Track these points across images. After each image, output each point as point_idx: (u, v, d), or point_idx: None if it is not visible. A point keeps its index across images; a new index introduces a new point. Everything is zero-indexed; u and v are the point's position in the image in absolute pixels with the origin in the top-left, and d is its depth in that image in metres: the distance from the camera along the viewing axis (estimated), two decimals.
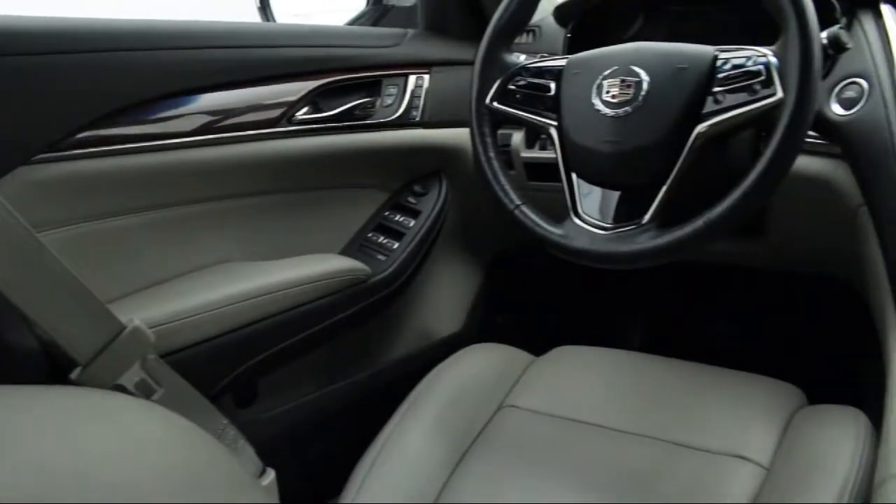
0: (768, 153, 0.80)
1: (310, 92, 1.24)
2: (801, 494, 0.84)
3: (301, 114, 1.23)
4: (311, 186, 1.30)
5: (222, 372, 1.11)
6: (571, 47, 1.28)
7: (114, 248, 1.08)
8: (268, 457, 0.95)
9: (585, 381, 1.12)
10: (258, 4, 1.69)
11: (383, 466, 0.98)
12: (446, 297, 1.51)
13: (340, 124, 1.27)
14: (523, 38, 1.36)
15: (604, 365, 1.15)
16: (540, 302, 1.72)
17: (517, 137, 1.30)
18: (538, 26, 1.37)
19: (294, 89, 1.23)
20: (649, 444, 0.98)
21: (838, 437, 0.90)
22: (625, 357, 1.17)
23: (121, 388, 0.81)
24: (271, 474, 0.95)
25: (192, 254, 1.17)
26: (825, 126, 1.01)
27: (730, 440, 0.96)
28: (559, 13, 1.31)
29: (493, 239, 1.54)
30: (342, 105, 1.27)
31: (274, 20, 1.68)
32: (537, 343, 1.23)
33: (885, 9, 1.00)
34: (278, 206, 1.27)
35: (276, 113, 1.21)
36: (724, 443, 0.95)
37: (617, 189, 0.94)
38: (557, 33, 1.31)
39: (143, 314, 0.90)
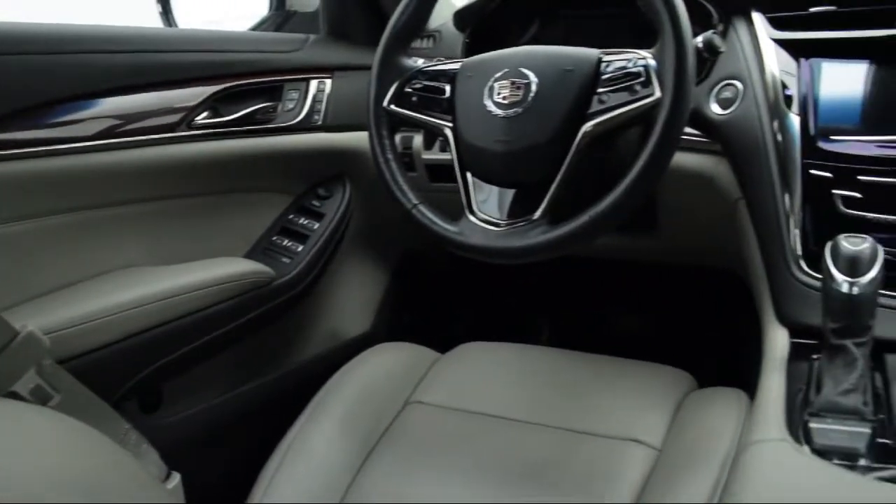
0: (648, 149, 0.85)
1: (210, 96, 1.24)
2: (688, 470, 0.90)
3: (201, 118, 1.24)
4: (214, 191, 1.31)
5: (125, 377, 1.10)
6: (470, 52, 1.32)
7: (11, 255, 1.07)
8: (174, 461, 0.95)
9: (489, 375, 1.16)
10: (160, 10, 1.67)
11: (289, 467, 1.00)
12: (353, 299, 1.53)
13: (242, 129, 1.28)
14: (423, 43, 1.40)
15: (507, 360, 1.20)
16: (448, 301, 1.76)
17: (418, 140, 1.34)
18: (438, 31, 1.41)
19: (194, 94, 1.23)
20: (550, 432, 1.03)
21: (722, 417, 0.97)
22: (528, 352, 1.21)
23: (15, 395, 0.80)
24: (176, 478, 0.95)
25: (93, 259, 1.16)
26: (706, 124, 1.08)
27: (625, 425, 1.01)
28: (458, 18, 1.35)
29: (398, 240, 1.57)
30: (243, 109, 1.28)
31: (175, 25, 1.67)
32: (445, 341, 1.26)
33: (756, 17, 1.08)
34: (181, 211, 1.27)
35: (176, 117, 1.21)
36: (620, 428, 1.01)
37: (510, 187, 0.98)
38: (457, 38, 1.35)
39: (40, 320, 0.89)
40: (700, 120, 1.08)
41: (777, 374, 0.86)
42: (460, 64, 1.03)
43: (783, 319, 0.96)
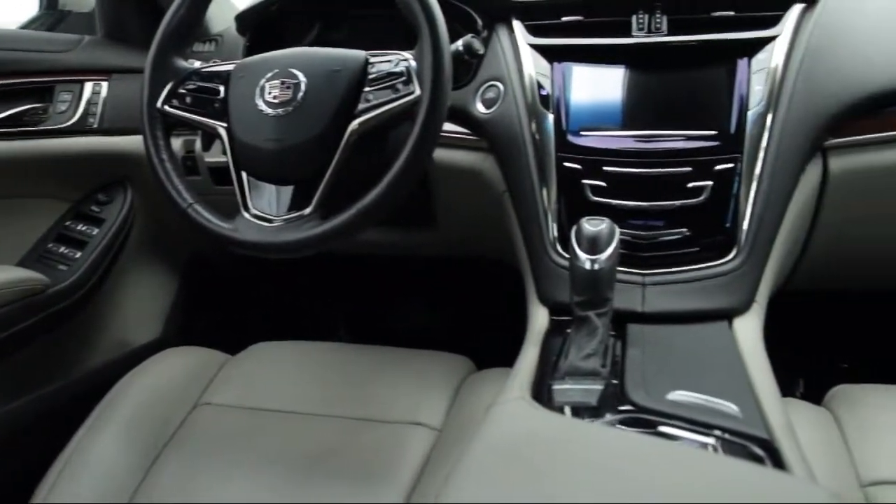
0: (409, 144, 0.93)
1: None
2: (462, 446, 0.98)
3: None
4: None
5: None
6: (251, 55, 1.35)
7: None
8: None
9: (278, 373, 1.19)
10: None
11: (70, 474, 0.99)
12: (141, 304, 1.51)
13: (8, 130, 1.24)
14: (205, 47, 1.42)
15: (296, 357, 1.24)
16: (242, 303, 1.78)
17: (199, 143, 1.35)
18: (220, 35, 1.43)
19: None
20: (335, 422, 1.08)
21: (494, 395, 1.06)
22: (316, 348, 1.26)
23: None
24: None
25: None
26: (473, 122, 1.18)
27: (407, 410, 1.08)
28: (239, 22, 1.37)
29: (185, 243, 1.57)
30: (8, 110, 1.24)
31: None
32: (241, 344, 1.28)
33: (516, 24, 1.19)
34: None
35: None
36: (403, 413, 1.08)
37: (283, 184, 1.03)
38: (238, 42, 1.38)
39: None
40: (467, 118, 1.17)
41: (533, 347, 0.96)
42: (234, 65, 1.06)
43: (543, 299, 1.07)
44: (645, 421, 0.77)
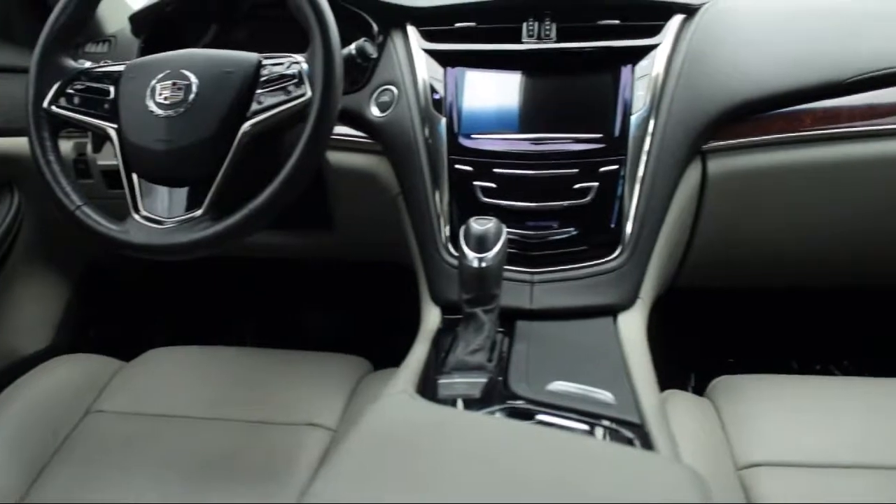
0: (300, 146, 0.95)
1: None
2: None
3: None
4: None
5: None
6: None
7: None
8: None
9: (174, 378, 1.19)
10: None
11: None
12: (30, 311, 1.48)
13: None
14: (99, 48, 1.40)
15: (193, 362, 1.23)
16: (141, 310, 1.75)
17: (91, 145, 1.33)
18: (114, 36, 1.42)
19: None
20: (231, 426, 1.08)
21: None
22: (213, 352, 1.26)
23: None
24: None
25: None
26: (368, 126, 1.20)
27: (303, 411, 1.10)
28: (133, 23, 1.36)
29: (79, 248, 1.54)
30: None
31: None
32: (139, 351, 1.27)
33: (411, 29, 1.22)
34: None
35: None
36: (299, 414, 1.09)
37: (174, 185, 1.03)
38: (133, 43, 1.37)
39: None
40: (362, 122, 1.20)
41: (423, 344, 0.99)
42: (124, 66, 1.06)
43: (436, 298, 1.11)
44: (524, 410, 0.81)
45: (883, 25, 1.22)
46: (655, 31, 1.17)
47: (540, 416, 0.79)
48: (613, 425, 0.79)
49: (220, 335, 1.76)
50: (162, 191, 1.05)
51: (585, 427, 0.78)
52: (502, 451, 0.60)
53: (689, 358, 1.60)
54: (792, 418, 1.02)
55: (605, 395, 0.84)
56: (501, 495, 0.53)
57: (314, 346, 1.26)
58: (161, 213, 1.02)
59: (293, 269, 1.66)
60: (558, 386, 0.86)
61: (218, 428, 1.08)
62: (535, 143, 1.13)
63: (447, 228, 1.13)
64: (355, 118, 1.20)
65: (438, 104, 1.16)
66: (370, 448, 0.61)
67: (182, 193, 1.06)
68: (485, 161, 1.13)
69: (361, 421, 0.66)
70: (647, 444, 0.77)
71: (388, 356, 1.26)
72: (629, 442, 0.76)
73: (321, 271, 1.67)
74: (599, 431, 0.78)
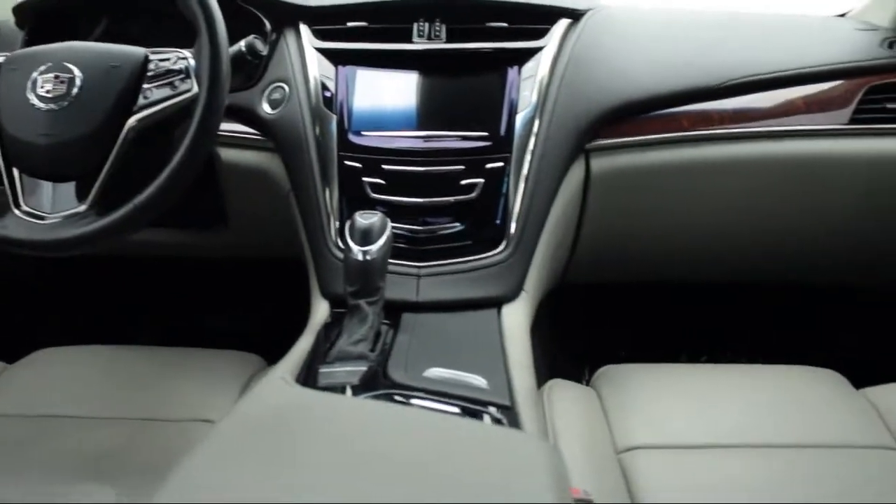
0: (186, 141, 0.96)
1: None
2: None
3: None
4: None
5: None
6: None
7: None
8: None
9: (60, 378, 1.18)
10: None
11: None
12: None
13: None
14: None
15: (81, 361, 1.23)
16: (32, 309, 1.72)
17: None
18: None
19: None
20: (120, 424, 1.08)
21: None
22: (104, 351, 1.25)
23: None
24: None
25: None
26: (259, 123, 1.23)
27: (195, 408, 1.11)
28: (17, 14, 1.34)
29: None
30: None
31: None
32: (28, 352, 1.26)
33: (303, 28, 1.25)
34: None
35: None
36: (190, 411, 1.10)
37: (57, 180, 1.04)
38: (18, 35, 1.35)
39: None
40: (254, 119, 1.22)
41: (308, 336, 1.02)
42: (4, 57, 1.05)
43: (325, 293, 1.14)
44: (399, 395, 0.84)
45: (750, 36, 1.32)
46: (541, 34, 1.23)
47: (414, 401, 0.83)
48: (483, 407, 0.83)
49: (114, 335, 1.74)
50: (46, 186, 1.05)
51: (456, 410, 0.82)
52: (367, 431, 0.64)
53: (584, 351, 1.67)
54: (670, 404, 1.09)
55: (479, 381, 0.89)
56: (358, 471, 0.57)
57: (210, 344, 1.27)
58: (44, 209, 1.02)
59: (189, 267, 1.66)
60: (434, 372, 0.90)
61: (106, 427, 1.08)
62: (424, 141, 1.18)
63: (336, 224, 1.16)
64: (247, 115, 1.22)
65: (329, 102, 1.19)
66: (239, 431, 0.64)
67: (67, 189, 1.06)
68: (374, 158, 1.16)
69: (233, 409, 0.69)
70: (516, 425, 0.82)
71: (283, 352, 1.28)
72: (498, 423, 0.81)
73: (217, 269, 1.67)
74: (468, 412, 0.82)
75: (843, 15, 1.48)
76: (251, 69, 1.21)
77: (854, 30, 1.36)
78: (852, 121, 1.27)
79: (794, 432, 1.04)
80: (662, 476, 0.97)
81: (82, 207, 0.98)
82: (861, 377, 1.18)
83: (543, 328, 1.36)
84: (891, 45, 1.29)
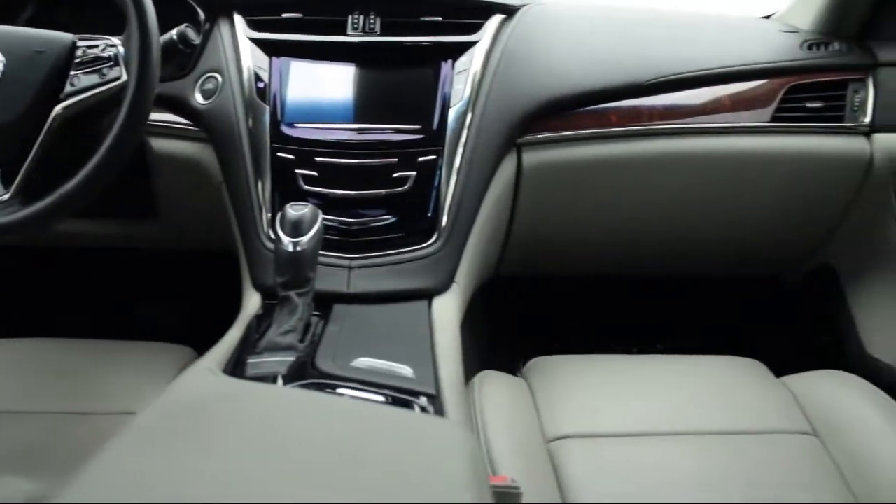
0: (114, 129, 0.96)
1: None
2: None
3: None
4: None
5: None
6: None
7: None
8: None
9: None
10: None
11: None
12: None
13: None
14: None
15: (7, 354, 1.21)
16: None
17: None
18: None
19: None
20: (44, 418, 1.07)
21: None
22: (31, 345, 1.23)
23: None
24: None
25: None
26: (192, 113, 1.22)
27: (122, 400, 1.10)
28: None
29: None
30: None
31: None
32: None
33: (238, 18, 1.25)
34: None
35: None
36: (118, 404, 1.10)
37: None
38: None
39: None
40: (186, 108, 1.22)
41: (238, 328, 1.03)
42: None
43: (257, 285, 1.14)
44: (326, 385, 0.86)
45: (680, 35, 1.36)
46: (475, 28, 1.25)
47: (340, 390, 0.84)
48: (408, 396, 0.85)
49: (42, 327, 1.72)
50: None
51: (381, 399, 0.84)
52: (289, 419, 0.65)
53: (518, 344, 1.70)
54: (599, 394, 1.13)
55: (406, 370, 0.90)
56: (275, 457, 0.58)
57: (142, 336, 1.26)
58: None
59: (120, 258, 1.65)
60: (362, 362, 0.91)
61: (25, 421, 1.06)
62: (357, 133, 1.19)
63: (268, 216, 1.16)
64: (179, 105, 1.22)
65: (263, 93, 1.20)
66: (159, 421, 0.64)
67: None
68: (307, 150, 1.17)
69: (158, 397, 0.69)
70: (440, 413, 0.84)
71: (215, 344, 1.28)
72: (423, 411, 0.83)
73: (149, 260, 1.66)
74: (393, 400, 0.84)
75: (768, 17, 1.53)
76: (183, 59, 1.21)
77: (777, 31, 1.41)
78: (774, 119, 1.32)
79: (717, 420, 1.08)
80: (590, 464, 1.00)
81: (6, 196, 0.97)
82: (781, 366, 1.23)
83: (478, 321, 1.38)
84: (810, 47, 1.35)
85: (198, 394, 0.70)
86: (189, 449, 0.59)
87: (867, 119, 1.34)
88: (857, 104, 1.33)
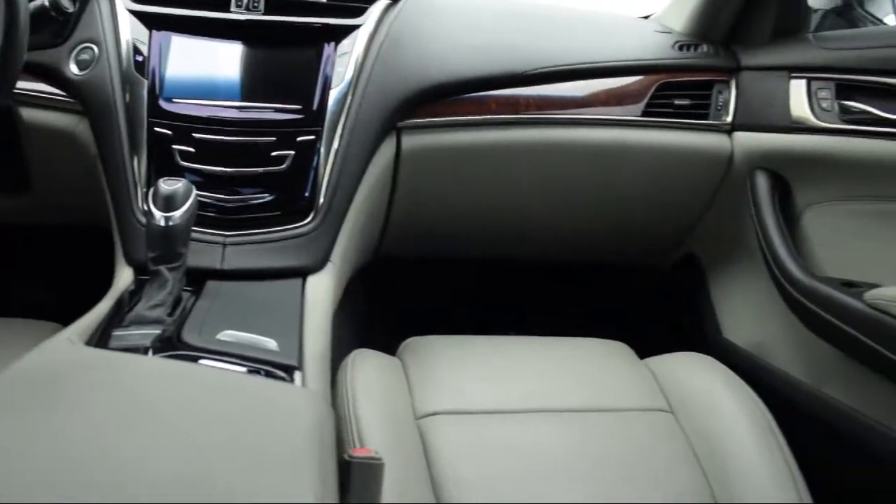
0: None
1: None
2: None
3: None
4: None
5: None
6: None
7: None
8: None
9: None
10: None
11: None
12: None
13: None
14: None
15: None
16: None
17: None
18: None
19: None
20: None
21: None
22: None
23: None
24: None
25: None
26: (66, 84, 1.21)
27: None
28: None
29: None
30: None
31: None
32: None
33: None
34: None
35: None
36: None
37: None
38: None
39: None
40: (60, 79, 1.21)
41: (106, 301, 1.03)
42: None
43: (129, 260, 1.14)
44: (188, 356, 0.88)
45: (559, 29, 1.43)
46: (359, 12, 1.28)
47: (202, 361, 0.87)
48: (270, 367, 0.88)
49: None
50: None
51: (242, 369, 0.86)
52: (142, 385, 0.67)
53: (398, 324, 1.74)
54: (470, 373, 1.18)
55: (271, 343, 0.93)
56: (124, 421, 0.60)
57: (8, 313, 1.25)
58: None
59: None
60: (227, 334, 0.94)
61: None
62: (237, 111, 1.20)
63: (143, 191, 1.17)
64: (53, 74, 1.21)
65: (141, 66, 1.20)
66: (8, 386, 0.65)
67: None
68: (185, 126, 1.18)
69: (11, 366, 0.70)
70: (301, 384, 0.87)
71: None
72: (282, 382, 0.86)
73: (19, 235, 1.62)
74: (255, 371, 0.87)
75: (647, 17, 1.62)
76: (57, 26, 1.20)
77: (653, 31, 1.49)
78: (645, 113, 1.40)
79: (583, 398, 1.15)
80: (458, 439, 1.05)
81: None
82: (645, 348, 1.31)
83: (358, 301, 1.41)
84: (681, 48, 1.44)
85: (53, 361, 0.71)
86: (37, 415, 0.61)
87: (729, 118, 1.44)
88: (720, 104, 1.43)
